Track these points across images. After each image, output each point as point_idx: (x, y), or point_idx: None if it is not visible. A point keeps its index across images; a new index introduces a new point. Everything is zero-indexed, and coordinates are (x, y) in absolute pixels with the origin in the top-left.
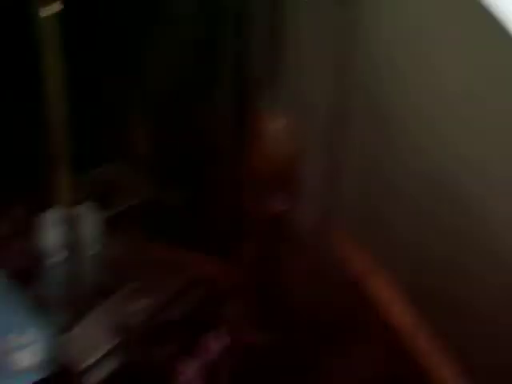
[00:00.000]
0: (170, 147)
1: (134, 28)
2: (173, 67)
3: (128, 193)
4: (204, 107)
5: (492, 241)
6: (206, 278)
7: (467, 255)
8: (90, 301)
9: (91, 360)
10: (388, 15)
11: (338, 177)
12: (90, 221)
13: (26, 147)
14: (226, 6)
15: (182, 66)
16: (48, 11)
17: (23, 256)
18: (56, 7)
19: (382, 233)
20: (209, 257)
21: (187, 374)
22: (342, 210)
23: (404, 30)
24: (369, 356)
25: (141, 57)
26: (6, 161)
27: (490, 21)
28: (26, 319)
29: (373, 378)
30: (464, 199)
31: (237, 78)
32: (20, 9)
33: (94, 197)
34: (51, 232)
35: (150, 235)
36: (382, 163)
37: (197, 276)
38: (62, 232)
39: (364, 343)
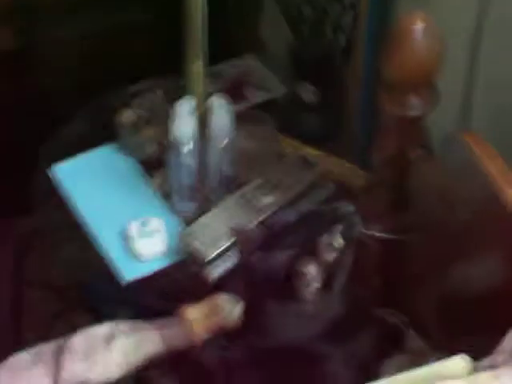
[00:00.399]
0: (308, 41)
1: None
2: None
3: (263, 86)
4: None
5: None
6: (334, 176)
7: None
8: (216, 193)
9: (213, 253)
10: None
11: (475, 81)
12: (222, 112)
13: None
14: None
15: None
16: None
17: (154, 143)
18: None
19: None
20: (339, 156)
21: (308, 274)
22: (478, 115)
23: None
24: (496, 260)
25: None
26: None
27: None
28: (153, 206)
29: (501, 284)
30: None
31: None
32: None
33: (229, 88)
34: (183, 121)
35: (283, 130)
36: None
37: (325, 174)
38: (193, 122)
39: (492, 246)
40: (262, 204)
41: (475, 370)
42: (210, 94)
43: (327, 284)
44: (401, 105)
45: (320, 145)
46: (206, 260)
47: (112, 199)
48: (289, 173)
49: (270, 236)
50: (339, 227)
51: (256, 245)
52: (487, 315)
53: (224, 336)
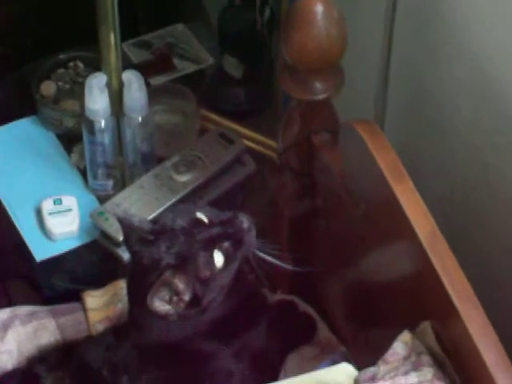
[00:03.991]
0: (235, 13)
1: None
2: None
3: (191, 57)
4: None
5: None
6: (256, 153)
7: None
8: (133, 170)
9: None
10: None
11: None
12: (136, 88)
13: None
14: None
15: None
16: None
17: (73, 117)
18: None
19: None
20: (262, 132)
21: (175, 287)
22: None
23: None
24: (392, 251)
25: None
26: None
27: None
28: (69, 183)
29: (395, 278)
30: None
31: None
32: None
33: (157, 59)
34: (95, 98)
35: (208, 104)
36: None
37: (246, 151)
38: (105, 98)
39: (386, 238)
40: (178, 182)
41: (357, 381)
42: (131, 66)
43: (196, 299)
44: (303, 88)
45: (244, 120)
46: (118, 241)
47: (28, 175)
48: (207, 150)
49: (155, 232)
50: (225, 245)
51: (140, 238)
52: (386, 310)
53: (112, 332)
